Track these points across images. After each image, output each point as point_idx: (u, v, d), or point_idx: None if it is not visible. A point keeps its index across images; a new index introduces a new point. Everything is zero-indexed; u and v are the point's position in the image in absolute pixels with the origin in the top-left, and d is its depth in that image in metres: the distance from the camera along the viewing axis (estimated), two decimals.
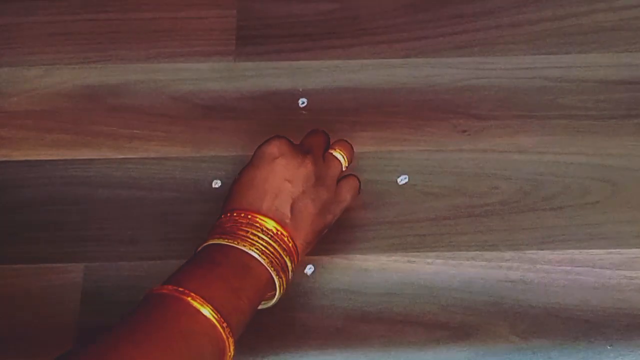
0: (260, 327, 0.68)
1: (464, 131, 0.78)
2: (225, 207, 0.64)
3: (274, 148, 0.65)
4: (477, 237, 0.72)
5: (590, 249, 0.72)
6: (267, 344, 0.68)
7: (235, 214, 0.62)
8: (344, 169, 0.69)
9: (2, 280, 0.71)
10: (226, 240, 0.61)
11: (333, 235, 0.72)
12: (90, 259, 0.72)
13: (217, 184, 0.76)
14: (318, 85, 0.81)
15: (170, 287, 0.57)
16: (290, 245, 0.62)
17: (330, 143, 0.71)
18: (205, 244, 0.62)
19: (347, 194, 0.68)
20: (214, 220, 0.73)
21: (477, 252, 0.72)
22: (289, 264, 0.62)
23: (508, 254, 0.72)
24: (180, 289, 0.56)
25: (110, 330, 0.54)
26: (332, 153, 0.69)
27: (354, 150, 0.71)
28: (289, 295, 0.69)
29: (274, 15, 0.85)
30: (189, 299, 0.56)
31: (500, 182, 0.75)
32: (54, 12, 0.85)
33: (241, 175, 0.65)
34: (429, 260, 0.71)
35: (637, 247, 0.72)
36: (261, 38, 0.84)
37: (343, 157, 0.69)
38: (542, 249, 0.72)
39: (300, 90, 0.80)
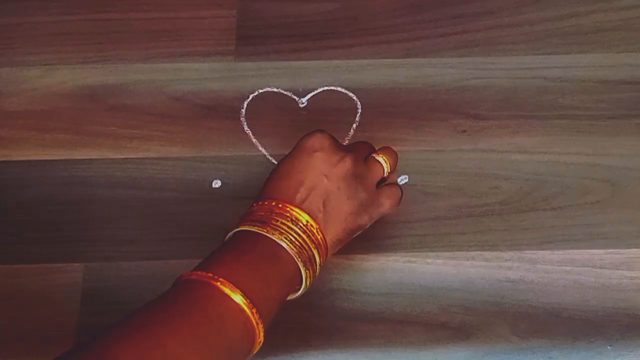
0: None
1: (464, 131, 0.78)
2: (259, 195, 0.64)
3: (314, 141, 0.65)
4: (477, 237, 0.73)
5: (590, 249, 0.72)
6: (266, 344, 0.68)
7: (266, 203, 0.62)
8: (385, 174, 0.68)
9: (2, 280, 0.71)
10: (256, 228, 0.60)
11: None
12: (90, 259, 0.72)
13: (217, 184, 0.76)
14: (318, 85, 0.81)
15: (199, 272, 0.57)
16: (319, 238, 0.61)
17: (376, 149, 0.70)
18: (235, 230, 0.62)
19: (386, 199, 0.67)
20: (215, 220, 0.73)
21: (477, 252, 0.72)
22: (317, 257, 0.61)
23: (508, 254, 0.72)
24: (210, 274, 0.56)
25: (138, 311, 0.54)
26: (374, 157, 0.68)
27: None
28: None
29: (274, 15, 0.85)
30: (219, 284, 0.55)
31: (500, 182, 0.75)
32: (54, 12, 0.85)
33: (279, 165, 0.65)
34: (429, 260, 0.71)
35: (637, 247, 0.72)
36: (261, 38, 0.84)
37: (385, 163, 0.68)
38: (542, 249, 0.72)
39: (300, 90, 0.81)
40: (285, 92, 0.80)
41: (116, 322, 0.53)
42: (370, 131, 0.78)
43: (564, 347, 0.68)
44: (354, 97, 0.80)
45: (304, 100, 0.80)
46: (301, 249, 0.60)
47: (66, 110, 0.80)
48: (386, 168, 0.68)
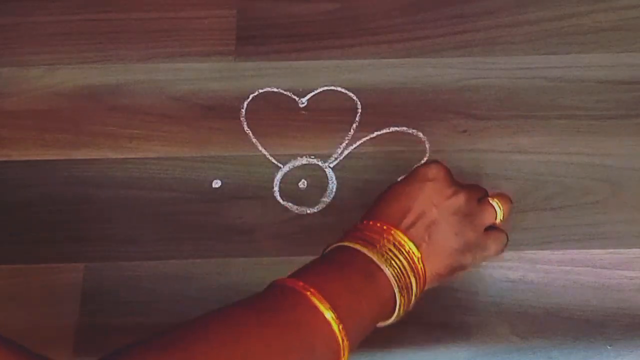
0: None
1: (464, 131, 0.78)
2: (366, 214, 0.62)
3: (429, 171, 0.63)
4: None
5: (590, 249, 0.72)
6: None
7: (371, 223, 0.60)
8: (497, 222, 0.65)
9: (2, 280, 0.71)
10: (359, 246, 0.59)
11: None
12: (90, 259, 0.72)
13: (217, 184, 0.76)
14: (318, 85, 0.81)
15: (293, 279, 0.56)
16: (419, 267, 0.59)
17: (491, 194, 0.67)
18: (338, 244, 0.60)
19: (492, 244, 0.64)
20: (215, 220, 0.73)
21: None
22: (414, 286, 0.59)
23: (508, 254, 0.71)
24: (301, 283, 0.55)
25: (227, 306, 0.54)
26: (489, 200, 0.65)
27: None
28: None
29: (274, 15, 0.85)
30: (309, 293, 0.54)
31: (500, 182, 0.75)
32: (54, 12, 0.85)
33: (390, 188, 0.63)
34: None
35: (637, 247, 0.72)
36: (261, 38, 0.84)
37: (500, 209, 0.65)
38: (542, 249, 0.72)
39: (300, 90, 0.81)
40: (285, 92, 0.80)
41: (193, 317, 0.52)
42: (370, 131, 0.78)
43: (564, 347, 0.68)
44: (354, 97, 0.80)
45: (304, 100, 0.80)
46: (400, 274, 0.58)
47: (66, 110, 0.80)
48: (499, 215, 0.65)
